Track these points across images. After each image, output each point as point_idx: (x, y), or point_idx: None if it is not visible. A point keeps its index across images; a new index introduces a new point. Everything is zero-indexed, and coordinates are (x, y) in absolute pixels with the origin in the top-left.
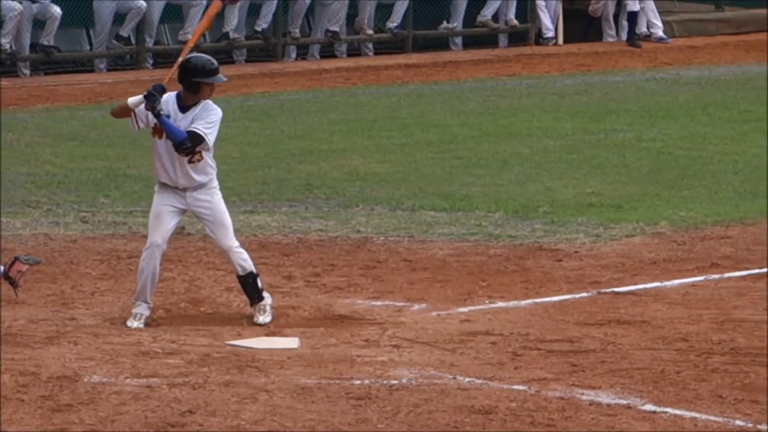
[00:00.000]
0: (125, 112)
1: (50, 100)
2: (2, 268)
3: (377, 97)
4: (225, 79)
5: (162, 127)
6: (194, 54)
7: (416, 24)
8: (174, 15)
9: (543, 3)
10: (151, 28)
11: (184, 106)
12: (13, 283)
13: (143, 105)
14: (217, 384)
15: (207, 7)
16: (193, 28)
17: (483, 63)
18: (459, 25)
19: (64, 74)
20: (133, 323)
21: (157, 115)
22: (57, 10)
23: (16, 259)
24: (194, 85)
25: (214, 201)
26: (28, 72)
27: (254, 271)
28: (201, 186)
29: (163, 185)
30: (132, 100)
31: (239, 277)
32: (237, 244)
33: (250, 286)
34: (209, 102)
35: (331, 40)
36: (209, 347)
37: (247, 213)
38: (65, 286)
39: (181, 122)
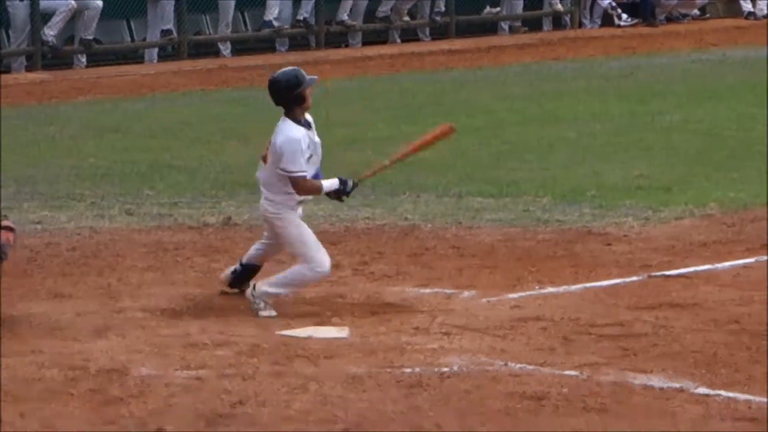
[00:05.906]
0: (315, 193)
1: (92, 93)
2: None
3: (421, 84)
4: (316, 78)
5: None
6: (273, 74)
7: (459, 9)
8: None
9: None
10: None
11: (308, 123)
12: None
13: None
14: (267, 374)
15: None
16: (228, 21)
17: (527, 47)
18: (504, 10)
19: (104, 66)
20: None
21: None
22: (98, 3)
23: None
24: (299, 98)
25: None
26: (84, 62)
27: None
28: None
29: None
30: (326, 186)
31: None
32: None
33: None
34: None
35: (387, 26)
36: (258, 338)
37: None
38: (111, 279)
39: (318, 140)
